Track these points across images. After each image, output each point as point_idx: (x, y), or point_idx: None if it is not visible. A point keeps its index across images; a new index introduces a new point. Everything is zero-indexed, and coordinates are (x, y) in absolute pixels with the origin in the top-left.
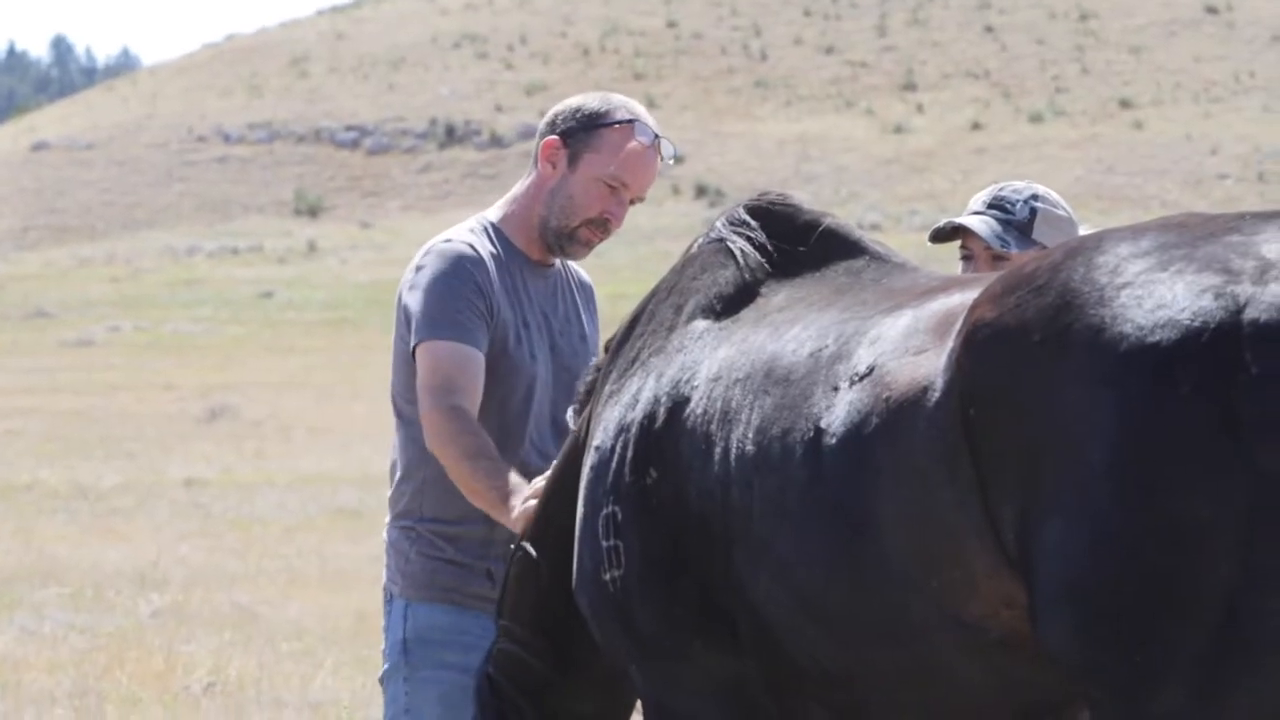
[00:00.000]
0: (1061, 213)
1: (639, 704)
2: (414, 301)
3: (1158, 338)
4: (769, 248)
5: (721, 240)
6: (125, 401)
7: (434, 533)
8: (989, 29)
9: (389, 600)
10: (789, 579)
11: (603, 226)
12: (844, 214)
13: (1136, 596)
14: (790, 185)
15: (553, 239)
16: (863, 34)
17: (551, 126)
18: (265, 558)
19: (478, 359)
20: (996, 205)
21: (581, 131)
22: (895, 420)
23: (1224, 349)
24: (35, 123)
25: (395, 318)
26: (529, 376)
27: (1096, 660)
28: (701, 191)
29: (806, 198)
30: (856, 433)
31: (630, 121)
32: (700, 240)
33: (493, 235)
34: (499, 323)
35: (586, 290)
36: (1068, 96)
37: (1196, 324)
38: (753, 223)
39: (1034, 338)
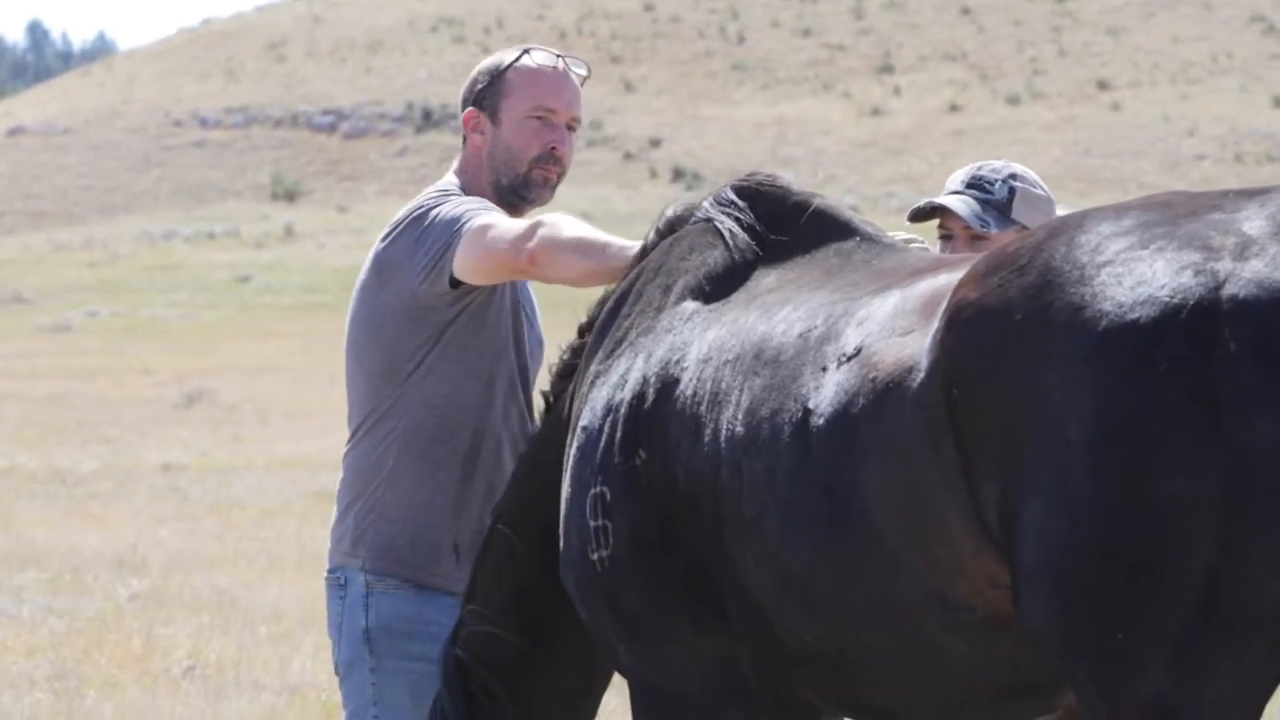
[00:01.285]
0: (1040, 192)
1: (613, 678)
2: (443, 215)
3: (1136, 315)
4: (758, 229)
5: (709, 220)
6: (103, 386)
7: (398, 501)
8: (966, 11)
9: (342, 581)
10: (777, 559)
11: (552, 159)
12: None
13: (1116, 576)
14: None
15: (510, 194)
16: (840, 17)
17: (464, 102)
18: (243, 541)
19: None
20: (975, 185)
21: (488, 89)
22: (881, 401)
23: (1202, 325)
24: (11, 108)
25: (396, 257)
26: (503, 341)
27: (1078, 641)
28: (679, 175)
29: (793, 179)
30: (843, 413)
31: (525, 52)
32: (670, 211)
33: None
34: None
35: None
36: (1045, 78)
37: (1175, 301)
38: (741, 203)
39: (1016, 317)
